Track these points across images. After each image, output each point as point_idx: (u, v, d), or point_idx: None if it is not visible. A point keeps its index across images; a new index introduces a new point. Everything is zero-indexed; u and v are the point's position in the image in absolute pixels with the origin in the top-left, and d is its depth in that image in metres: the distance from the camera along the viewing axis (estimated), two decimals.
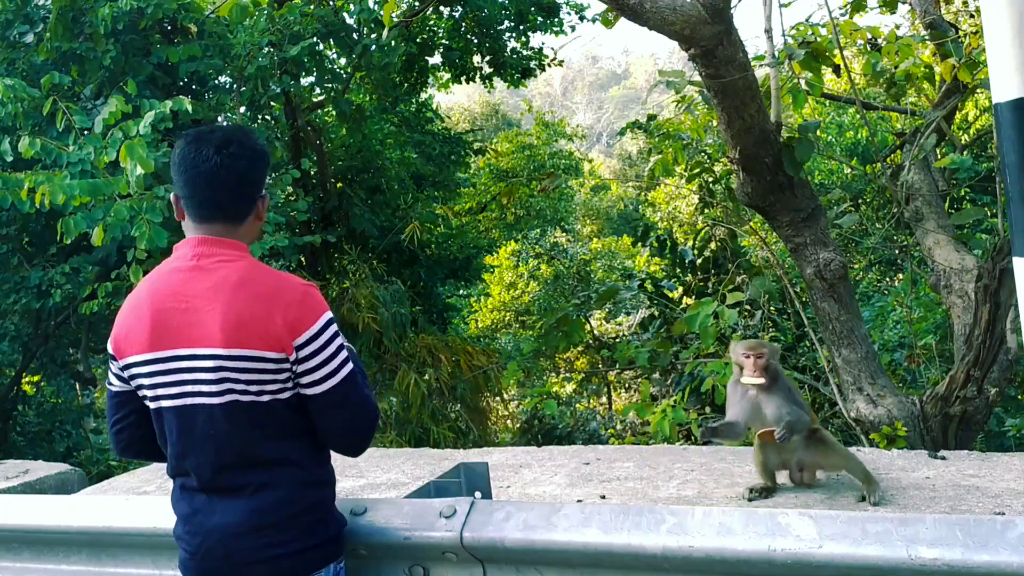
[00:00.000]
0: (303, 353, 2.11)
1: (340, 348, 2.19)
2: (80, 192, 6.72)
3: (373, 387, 9.33)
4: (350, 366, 2.20)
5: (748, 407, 3.49)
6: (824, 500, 3.54)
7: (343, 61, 11.27)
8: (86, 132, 7.14)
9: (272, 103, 10.29)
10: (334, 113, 11.57)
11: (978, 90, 7.23)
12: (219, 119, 9.70)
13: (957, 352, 6.08)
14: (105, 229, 6.98)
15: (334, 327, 2.19)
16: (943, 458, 4.09)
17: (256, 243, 7.93)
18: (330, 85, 10.62)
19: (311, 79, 10.76)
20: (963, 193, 10.67)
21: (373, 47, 9.92)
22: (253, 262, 2.20)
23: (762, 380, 3.40)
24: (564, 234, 20.36)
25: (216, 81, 10.02)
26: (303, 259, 11.24)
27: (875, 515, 2.24)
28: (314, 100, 11.50)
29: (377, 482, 4.66)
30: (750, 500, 3.58)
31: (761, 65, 6.57)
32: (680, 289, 11.33)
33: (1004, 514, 3.13)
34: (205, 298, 2.11)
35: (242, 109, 9.76)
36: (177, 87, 9.50)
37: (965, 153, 7.77)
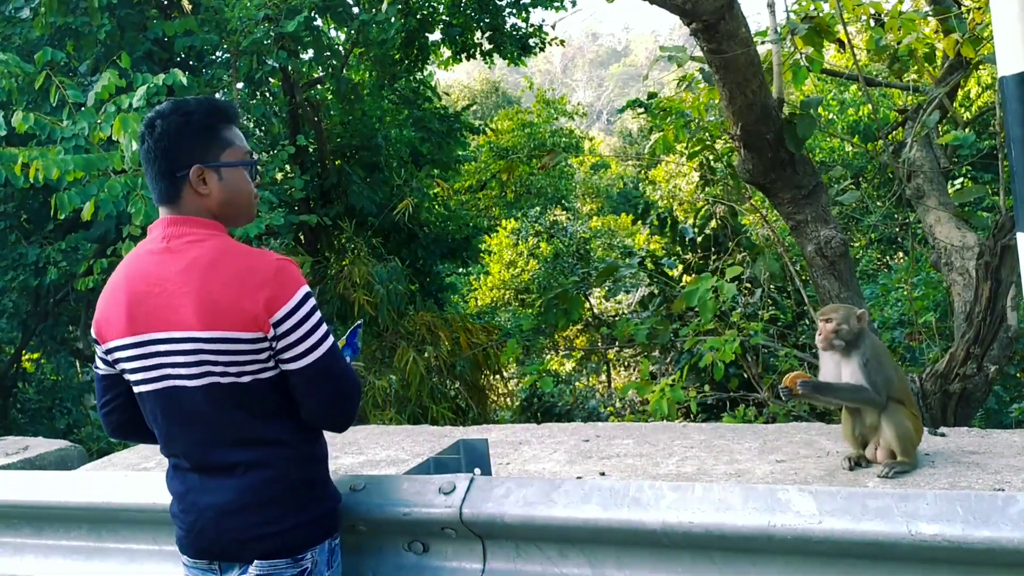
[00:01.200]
0: (281, 329, 2.08)
1: (319, 322, 2.15)
2: (74, 167, 6.67)
3: (372, 365, 9.35)
4: (330, 340, 2.18)
5: (834, 371, 3.50)
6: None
7: (341, 36, 11.18)
8: (81, 107, 7.09)
9: (270, 79, 10.21)
10: (333, 90, 11.48)
11: (981, 66, 7.17)
12: (217, 95, 9.63)
13: (957, 330, 6.08)
14: (97, 205, 6.96)
15: (311, 301, 2.16)
16: (943, 435, 4.09)
17: (252, 222, 7.92)
18: (328, 61, 10.53)
19: (309, 54, 10.68)
20: (964, 171, 10.63)
21: (371, 22, 9.83)
22: (225, 240, 2.15)
23: (828, 349, 3.44)
24: (564, 212, 20.31)
25: (213, 56, 9.94)
26: (302, 237, 11.21)
27: (875, 491, 2.24)
28: (312, 76, 11.42)
29: (376, 459, 4.66)
30: (849, 469, 3.54)
31: (763, 41, 6.51)
32: (680, 267, 11.32)
33: (1004, 490, 3.13)
34: (178, 281, 2.08)
35: (239, 84, 9.69)
36: (174, 62, 9.42)
37: (967, 130, 7.73)
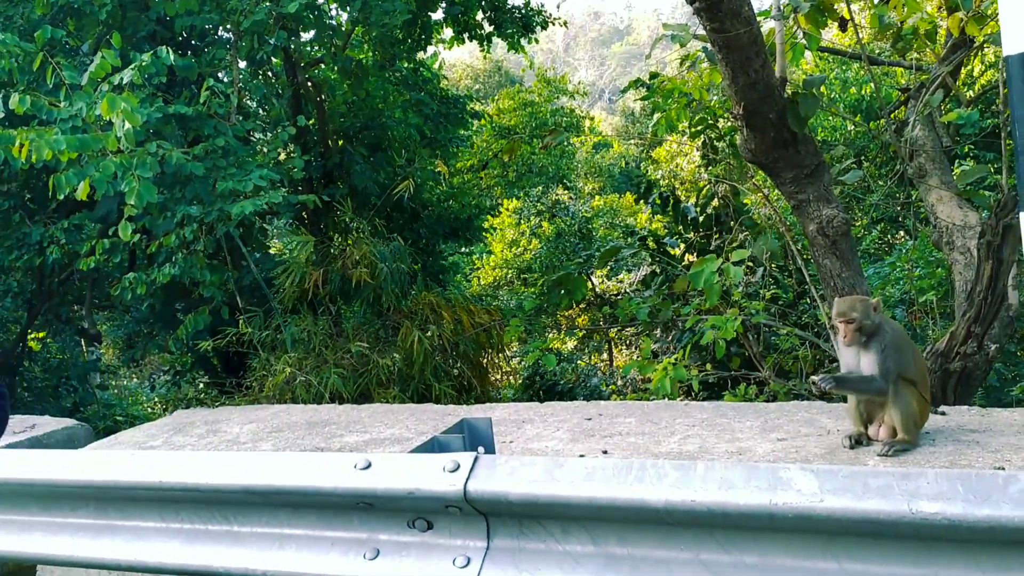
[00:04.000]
0: None
1: None
2: (67, 148, 6.67)
3: (375, 344, 9.37)
4: None
5: (854, 361, 3.61)
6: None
7: (344, 16, 11.11)
8: (78, 87, 7.07)
9: (272, 59, 10.16)
10: (336, 70, 11.42)
11: (985, 45, 7.13)
12: (219, 75, 9.59)
13: (958, 309, 6.09)
14: (93, 184, 6.95)
15: None
16: (943, 413, 4.12)
17: (250, 201, 7.90)
18: (330, 41, 10.47)
19: (311, 34, 10.61)
20: (967, 150, 10.59)
21: (375, 1, 9.77)
22: None
23: (851, 345, 3.58)
24: (566, 192, 20.27)
25: (215, 36, 9.88)
26: (305, 216, 11.20)
27: (877, 470, 2.26)
28: (315, 56, 11.36)
29: (381, 437, 4.70)
30: (850, 448, 3.64)
31: (767, 19, 6.47)
32: (682, 246, 11.31)
33: (1005, 468, 3.15)
34: None
35: (242, 64, 9.64)
36: (176, 42, 9.38)
37: (971, 109, 7.70)
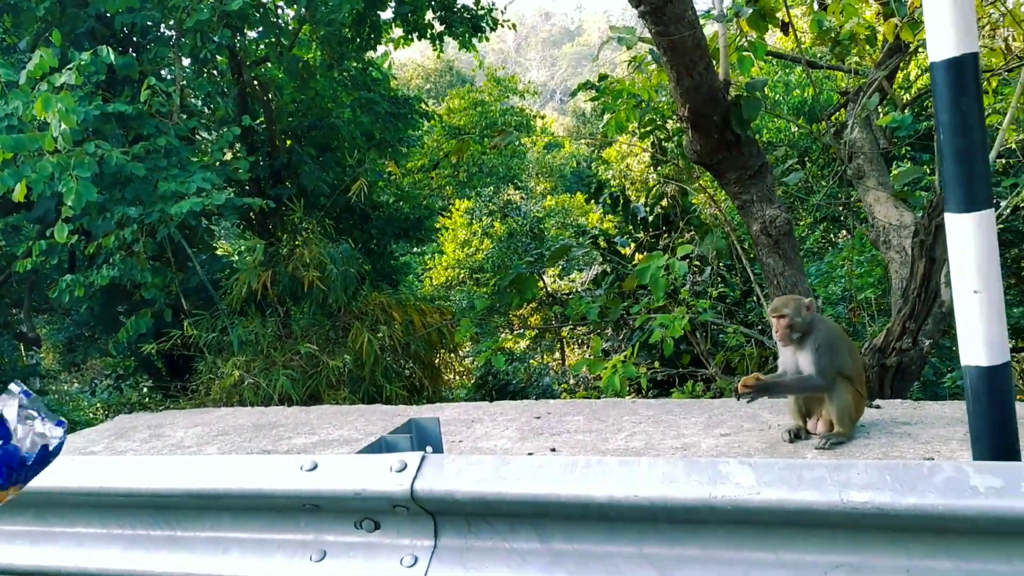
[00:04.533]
0: None
1: None
2: (3, 147, 6.54)
3: (325, 345, 9.31)
4: None
5: (791, 359, 3.71)
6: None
7: (290, 14, 10.98)
8: (16, 86, 6.90)
9: (216, 57, 10.01)
10: (283, 69, 11.29)
11: (919, 50, 7.36)
12: (161, 73, 9.42)
13: (894, 305, 6.27)
14: (29, 185, 6.81)
15: None
16: (878, 407, 4.25)
17: (190, 200, 7.76)
18: (276, 39, 10.34)
19: (257, 32, 10.47)
20: (904, 151, 10.88)
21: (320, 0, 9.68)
22: None
23: (785, 343, 3.66)
24: (517, 191, 20.32)
25: (157, 33, 9.70)
26: (253, 216, 11.06)
27: (811, 462, 2.33)
28: (261, 55, 11.22)
29: (329, 439, 4.68)
30: (790, 442, 3.75)
31: (710, 22, 6.59)
32: (632, 246, 11.43)
33: (933, 459, 3.27)
34: None
35: (185, 62, 9.48)
36: (117, 40, 9.19)
37: (906, 112, 7.93)
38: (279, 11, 10.77)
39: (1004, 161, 10.00)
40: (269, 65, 11.40)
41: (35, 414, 1.34)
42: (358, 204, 11.40)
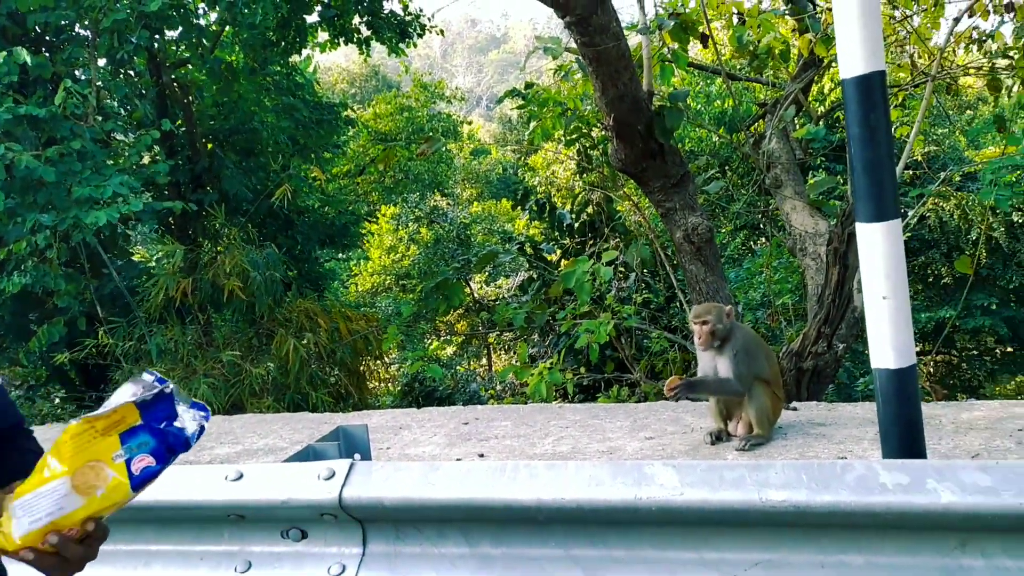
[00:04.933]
0: None
1: None
2: None
3: (248, 353, 9.14)
4: None
5: (711, 364, 3.82)
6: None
7: (213, 16, 10.76)
8: None
9: (134, 58, 9.74)
10: (204, 71, 11.05)
11: (832, 64, 7.65)
12: (76, 73, 9.11)
13: (810, 311, 6.50)
14: None
15: None
16: (795, 409, 4.40)
17: (106, 211, 7.53)
18: (197, 41, 10.12)
19: (177, 33, 10.23)
20: (819, 162, 11.28)
21: (241, 2, 9.51)
22: None
23: (706, 348, 3.76)
24: (444, 198, 20.30)
25: (72, 33, 9.40)
26: (172, 221, 10.79)
27: (732, 463, 2.41)
28: (181, 56, 10.96)
29: (254, 448, 4.60)
30: (711, 444, 3.86)
31: (634, 33, 6.72)
32: (558, 252, 11.54)
33: (846, 458, 3.41)
34: None
35: (102, 63, 9.19)
36: (30, 39, 8.86)
37: (820, 124, 8.23)
38: (200, 12, 10.54)
39: (911, 172, 10.46)
40: (190, 67, 11.14)
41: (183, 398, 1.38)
42: (282, 210, 11.24)
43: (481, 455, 4.06)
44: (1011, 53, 6.71)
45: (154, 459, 1.30)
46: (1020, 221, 13.12)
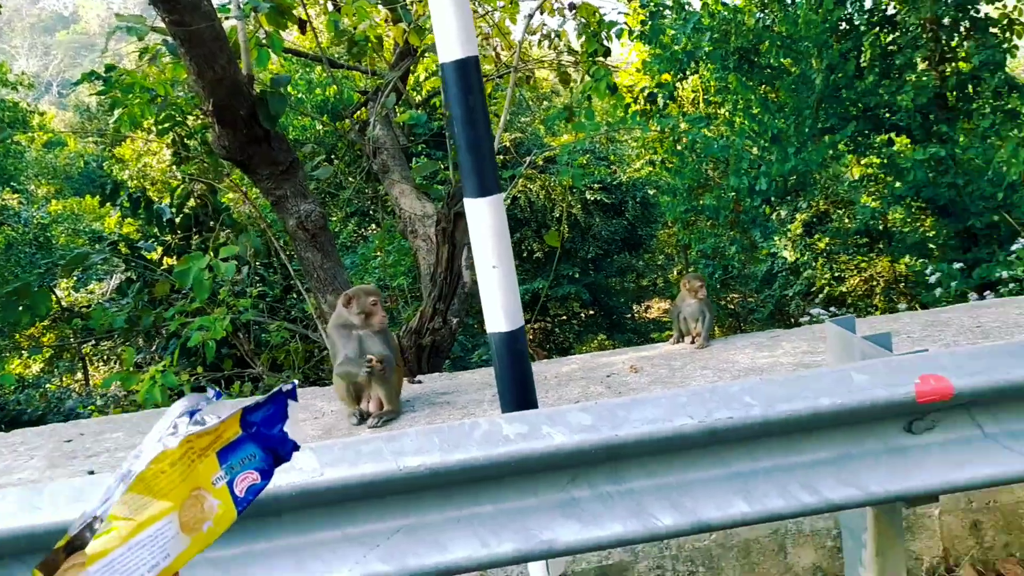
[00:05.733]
0: None
1: None
2: None
3: None
4: None
5: (355, 347, 3.92)
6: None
7: None
8: None
9: None
10: None
11: (427, 54, 8.07)
12: None
13: (425, 290, 6.83)
14: None
15: None
16: (420, 382, 4.61)
17: None
18: None
19: None
20: (420, 148, 11.86)
21: None
22: None
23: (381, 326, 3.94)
24: (15, 196, 17.75)
25: None
26: None
27: (368, 437, 2.45)
28: None
29: None
30: (358, 424, 3.93)
31: (228, 17, 6.45)
32: (160, 249, 10.74)
33: (472, 419, 3.66)
34: None
35: None
36: None
37: (420, 111, 8.65)
38: None
39: (501, 157, 11.45)
40: None
41: None
42: None
43: (91, 472, 3.66)
44: (577, 49, 7.65)
45: (259, 475, 1.10)
46: (592, 199, 15.08)
